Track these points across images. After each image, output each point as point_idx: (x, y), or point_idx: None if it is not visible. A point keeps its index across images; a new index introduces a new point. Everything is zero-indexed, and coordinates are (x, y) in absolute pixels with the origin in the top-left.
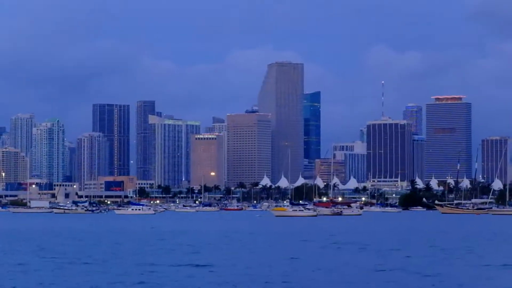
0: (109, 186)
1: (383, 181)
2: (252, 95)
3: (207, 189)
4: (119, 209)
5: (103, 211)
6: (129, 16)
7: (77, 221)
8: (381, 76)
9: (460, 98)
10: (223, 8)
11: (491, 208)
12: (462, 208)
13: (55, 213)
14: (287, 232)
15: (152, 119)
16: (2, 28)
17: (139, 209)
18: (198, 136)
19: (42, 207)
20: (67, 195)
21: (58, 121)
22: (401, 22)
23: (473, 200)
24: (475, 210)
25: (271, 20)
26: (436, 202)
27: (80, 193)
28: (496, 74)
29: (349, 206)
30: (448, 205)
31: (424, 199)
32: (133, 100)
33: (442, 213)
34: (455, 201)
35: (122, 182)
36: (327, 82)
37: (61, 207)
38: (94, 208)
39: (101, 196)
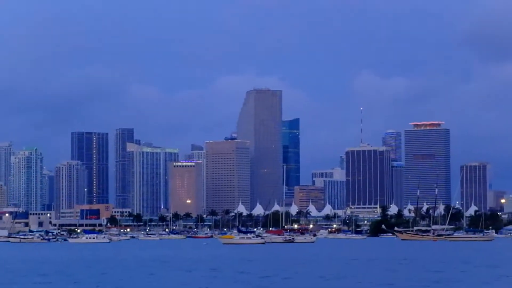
0: (85, 214)
1: (362, 207)
2: (232, 122)
3: (179, 217)
4: (73, 238)
5: (59, 240)
6: (115, 43)
7: (13, 250)
8: (364, 103)
9: (438, 124)
10: (209, 34)
11: (451, 234)
12: (422, 235)
13: (11, 242)
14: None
15: (130, 147)
16: None
17: (93, 238)
18: (176, 163)
19: (1, 236)
20: (40, 224)
21: (36, 149)
22: (387, 48)
23: (433, 227)
24: (433, 237)
25: (256, 46)
26: (396, 229)
27: (54, 221)
28: (480, 99)
29: (302, 233)
30: (408, 232)
31: (383, 226)
32: (114, 128)
33: (402, 239)
34: (415, 228)
35: (98, 210)
36: (310, 108)
37: (17, 237)
38: (50, 237)
39: (75, 225)
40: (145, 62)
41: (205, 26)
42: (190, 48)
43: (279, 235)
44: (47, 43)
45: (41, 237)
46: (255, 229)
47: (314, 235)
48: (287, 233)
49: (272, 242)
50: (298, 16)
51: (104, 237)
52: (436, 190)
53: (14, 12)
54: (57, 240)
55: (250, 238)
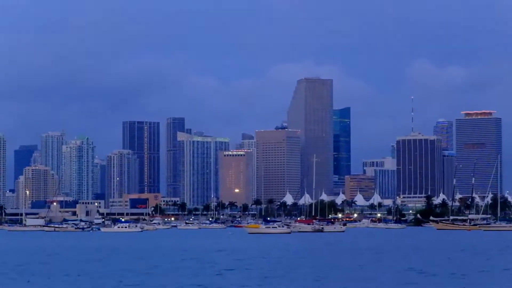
0: (134, 203)
1: (413, 197)
2: (283, 111)
3: (223, 206)
4: (106, 227)
5: (94, 229)
6: (171, 33)
7: (35, 239)
8: (416, 91)
9: (490, 113)
10: (264, 24)
11: (489, 224)
12: (457, 224)
13: (46, 231)
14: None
15: (181, 136)
16: (44, 46)
17: (125, 227)
18: (226, 153)
19: (38, 225)
20: (88, 213)
21: (87, 138)
22: (442, 36)
23: (470, 216)
24: (468, 226)
25: (310, 35)
26: (431, 218)
27: (102, 210)
28: None
29: (332, 222)
30: (443, 221)
31: (418, 215)
32: (166, 117)
33: (438, 229)
34: (451, 217)
35: (147, 199)
36: (361, 97)
37: (52, 226)
38: (84, 226)
39: (122, 214)
40: (200, 52)
41: (261, 15)
42: (245, 37)
43: (308, 224)
44: (105, 33)
45: (75, 226)
46: (297, 218)
47: (344, 225)
48: (317, 222)
49: (300, 232)
50: (352, 4)
51: (136, 226)
52: (473, 179)
53: (75, 2)
54: (91, 230)
55: (276, 227)
